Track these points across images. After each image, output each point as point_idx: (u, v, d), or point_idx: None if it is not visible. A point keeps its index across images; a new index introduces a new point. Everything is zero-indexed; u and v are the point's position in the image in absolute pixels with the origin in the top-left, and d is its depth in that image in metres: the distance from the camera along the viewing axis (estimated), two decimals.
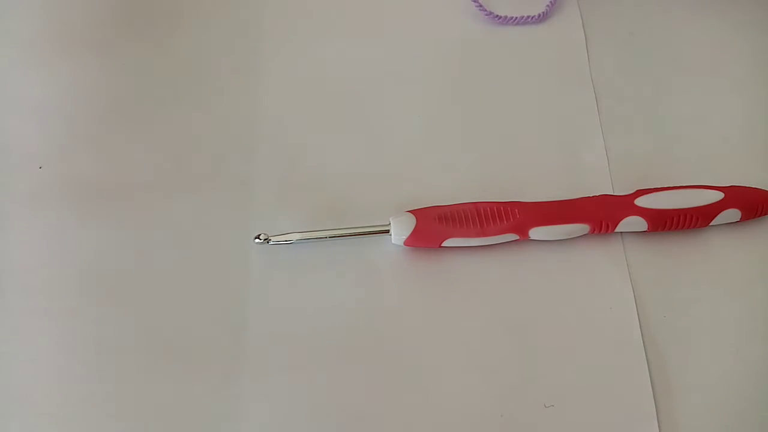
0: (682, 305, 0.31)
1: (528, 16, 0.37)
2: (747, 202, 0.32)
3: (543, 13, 0.37)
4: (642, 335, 0.30)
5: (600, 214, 0.31)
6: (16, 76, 0.35)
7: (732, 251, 0.32)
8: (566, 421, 0.29)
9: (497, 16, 0.37)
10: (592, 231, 0.31)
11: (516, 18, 0.37)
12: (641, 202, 0.31)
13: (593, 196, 0.32)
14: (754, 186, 0.32)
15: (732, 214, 0.32)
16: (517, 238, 0.31)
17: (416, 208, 0.31)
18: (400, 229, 0.30)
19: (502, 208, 0.31)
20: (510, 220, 0.31)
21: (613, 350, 0.30)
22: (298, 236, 0.30)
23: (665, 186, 0.32)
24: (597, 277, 0.31)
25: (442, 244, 0.31)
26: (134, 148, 0.34)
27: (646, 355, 0.30)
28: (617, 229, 0.31)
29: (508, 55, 0.37)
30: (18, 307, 0.30)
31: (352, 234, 0.31)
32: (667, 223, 0.31)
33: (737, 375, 0.30)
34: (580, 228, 0.31)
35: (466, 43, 0.37)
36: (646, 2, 0.38)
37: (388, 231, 0.31)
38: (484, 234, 0.31)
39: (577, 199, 0.31)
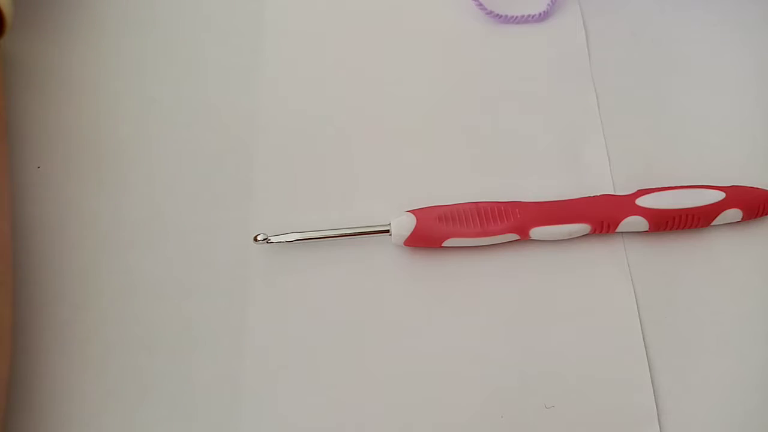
0: (683, 305, 0.31)
1: (529, 15, 0.37)
2: (748, 202, 0.32)
3: (544, 12, 0.37)
4: (643, 335, 0.30)
5: (601, 214, 0.31)
6: None
7: (733, 251, 0.32)
8: (567, 421, 0.29)
9: (498, 14, 0.37)
10: (593, 231, 0.31)
11: (517, 17, 0.37)
12: (642, 202, 0.31)
13: (594, 196, 0.32)
14: (755, 186, 0.32)
15: (733, 214, 0.31)
16: (518, 238, 0.31)
17: (416, 208, 0.31)
18: (400, 229, 0.30)
19: (502, 208, 0.31)
20: (510, 220, 0.31)
21: (614, 351, 0.30)
22: (297, 236, 0.30)
23: (666, 186, 0.32)
24: (598, 278, 0.31)
25: (442, 244, 0.31)
26: (132, 147, 0.33)
27: (647, 356, 0.30)
28: (618, 229, 0.31)
29: (509, 54, 0.36)
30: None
31: (352, 234, 0.31)
32: (668, 223, 0.31)
33: (738, 375, 0.30)
34: (581, 228, 0.31)
35: (466, 42, 0.37)
36: (648, 2, 0.38)
37: (388, 231, 0.31)
38: (485, 234, 0.30)
39: (578, 199, 0.31)
